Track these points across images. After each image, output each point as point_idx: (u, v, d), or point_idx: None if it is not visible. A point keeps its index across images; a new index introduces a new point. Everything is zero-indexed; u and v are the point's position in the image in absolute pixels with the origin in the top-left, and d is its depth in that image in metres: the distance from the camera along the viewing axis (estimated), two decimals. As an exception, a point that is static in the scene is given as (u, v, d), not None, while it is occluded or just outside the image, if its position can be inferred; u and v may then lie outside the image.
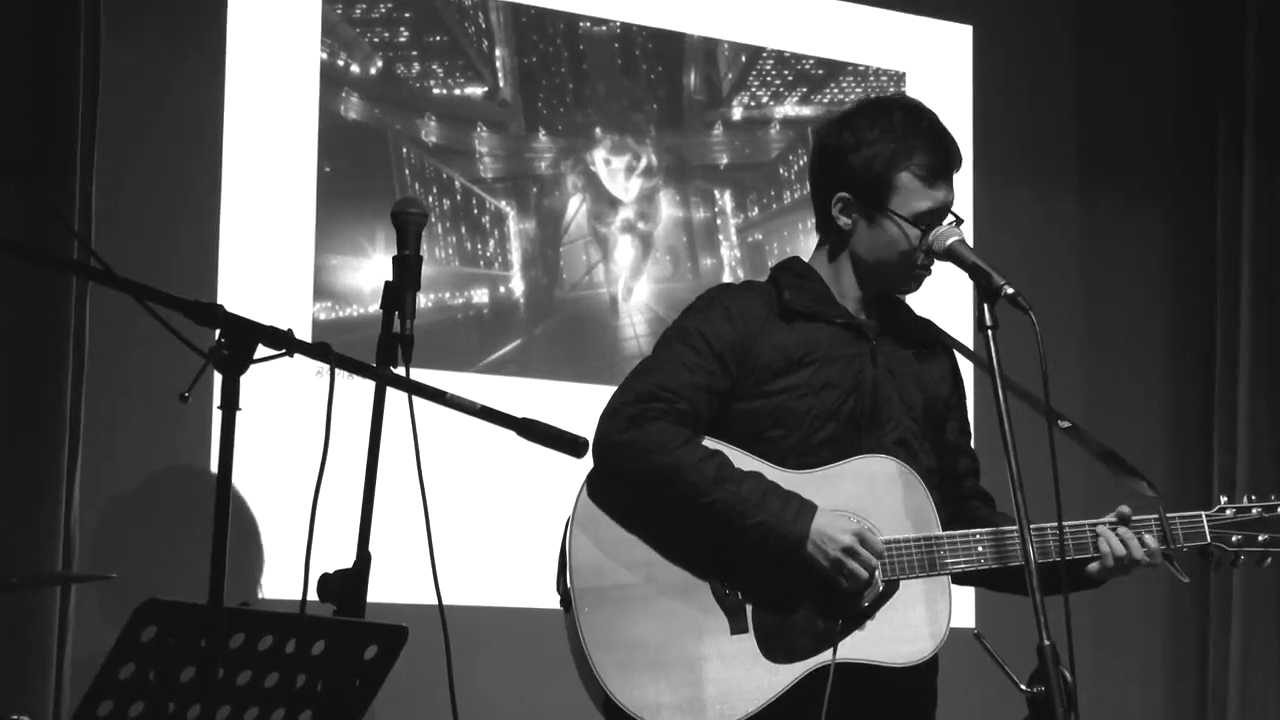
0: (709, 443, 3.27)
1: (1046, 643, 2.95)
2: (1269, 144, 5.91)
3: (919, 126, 3.39)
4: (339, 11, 4.83)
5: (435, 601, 2.94)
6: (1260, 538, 3.41)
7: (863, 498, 3.28)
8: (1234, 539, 3.40)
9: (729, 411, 3.32)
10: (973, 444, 3.60)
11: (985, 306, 3.19)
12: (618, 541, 3.26)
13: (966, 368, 3.65)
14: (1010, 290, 3.16)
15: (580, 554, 3.26)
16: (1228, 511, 3.42)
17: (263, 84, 4.72)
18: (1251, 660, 5.74)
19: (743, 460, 3.26)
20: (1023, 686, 2.99)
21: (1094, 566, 3.35)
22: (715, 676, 3.21)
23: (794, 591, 3.24)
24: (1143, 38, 6.07)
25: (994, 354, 3.15)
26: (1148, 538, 3.35)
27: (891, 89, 5.53)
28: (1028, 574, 3.01)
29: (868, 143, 3.37)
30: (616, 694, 3.19)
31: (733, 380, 3.32)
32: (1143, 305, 6.00)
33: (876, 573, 3.24)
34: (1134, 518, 3.38)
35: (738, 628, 3.23)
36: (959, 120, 5.62)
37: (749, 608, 3.24)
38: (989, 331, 3.16)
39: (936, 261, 3.39)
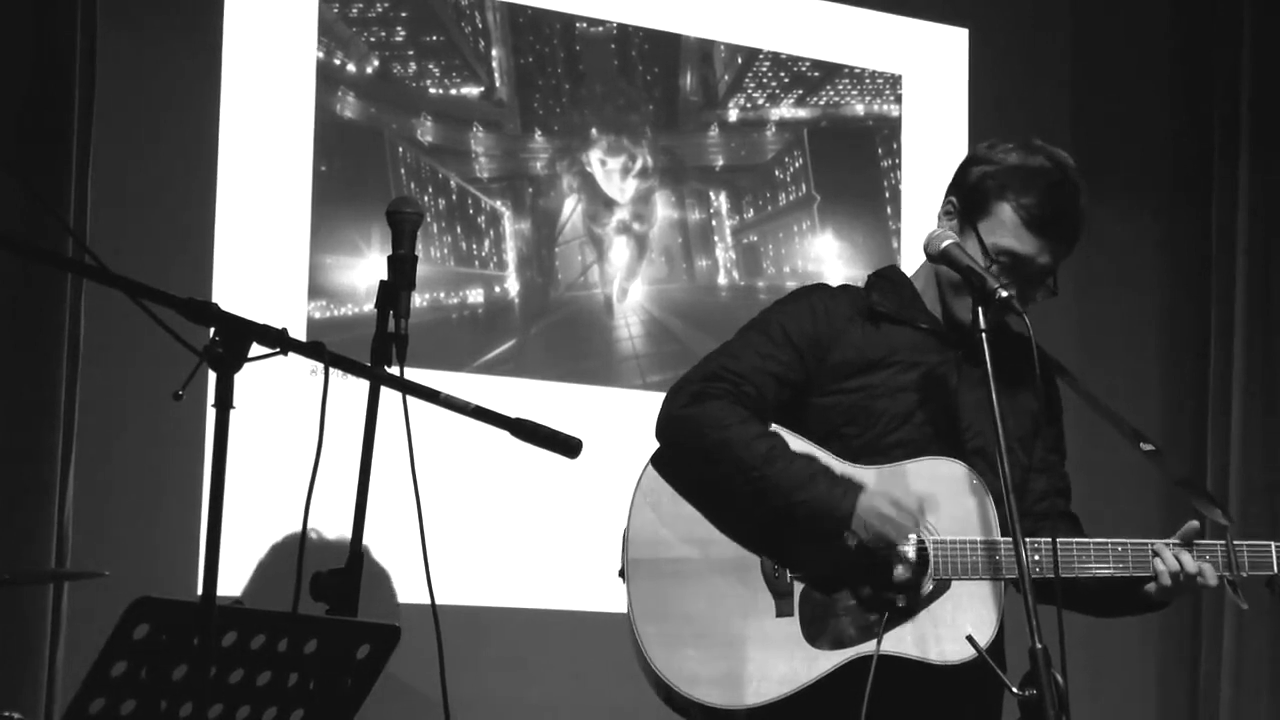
0: (775, 429, 3.32)
1: (1038, 645, 2.96)
2: (1264, 148, 5.92)
3: (1049, 179, 3.33)
4: (335, 10, 4.83)
5: (428, 601, 2.94)
6: None
7: (923, 496, 3.29)
8: None
9: (806, 406, 3.36)
10: (1065, 465, 3.58)
11: (979, 310, 3.19)
12: (676, 516, 3.32)
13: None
14: (1005, 294, 3.16)
15: (639, 526, 3.32)
16: None
17: (259, 82, 4.72)
18: (1244, 664, 5.74)
19: (806, 449, 3.30)
20: (1014, 689, 3.00)
21: (1151, 586, 3.35)
22: (755, 656, 3.26)
23: (842, 578, 3.26)
24: (1138, 42, 6.07)
25: (988, 358, 3.16)
26: (1204, 565, 3.33)
27: (887, 91, 5.54)
28: (1021, 579, 3.02)
29: (996, 162, 3.37)
30: (657, 664, 3.24)
31: (807, 374, 3.36)
32: (1137, 309, 6.01)
33: (928, 573, 3.25)
34: (1200, 542, 3.37)
35: (783, 610, 3.27)
36: (954, 123, 5.63)
37: (797, 592, 3.28)
38: (983, 335, 3.17)
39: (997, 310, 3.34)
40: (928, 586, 3.27)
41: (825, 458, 3.30)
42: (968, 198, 3.37)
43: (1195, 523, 3.37)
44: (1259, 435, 5.82)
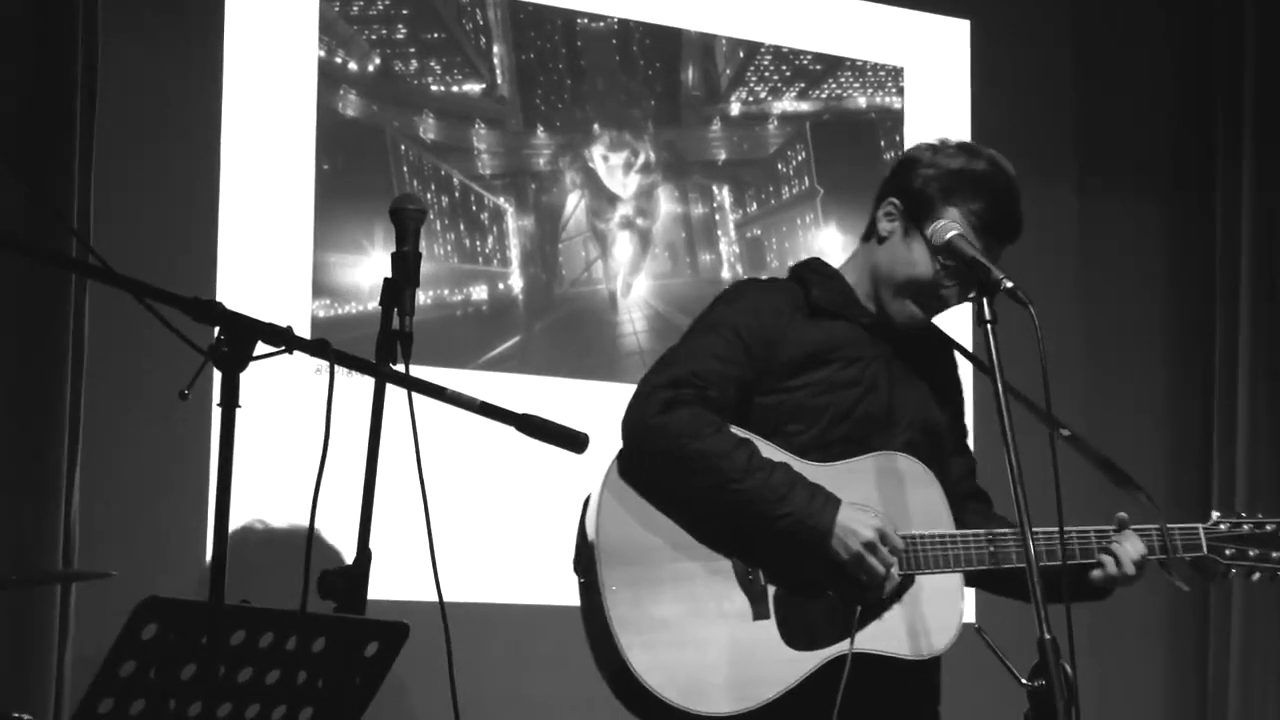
0: (737, 431, 3.31)
1: (1047, 636, 2.96)
2: (1268, 141, 5.91)
3: (994, 183, 3.40)
4: (336, 9, 4.83)
5: (436, 598, 2.94)
6: (1251, 553, 3.53)
7: (882, 493, 3.32)
8: (1227, 552, 3.53)
9: (749, 404, 3.36)
10: (970, 443, 3.65)
11: (984, 301, 3.20)
12: (646, 522, 3.29)
13: (965, 367, 3.66)
14: (1009, 284, 3.17)
15: (608, 533, 3.28)
16: (1222, 526, 3.54)
17: (261, 81, 4.72)
18: (1252, 647, 5.74)
19: (769, 451, 3.31)
20: (1023, 680, 2.99)
21: (1098, 574, 3.41)
22: (736, 660, 3.24)
23: (815, 580, 3.27)
24: (1140, 32, 6.06)
25: (993, 349, 3.16)
26: (1141, 544, 3.43)
27: (889, 84, 5.53)
28: (1029, 570, 3.01)
29: (941, 166, 3.41)
30: (641, 673, 3.21)
31: (756, 373, 3.36)
32: (1141, 303, 6.00)
33: (893, 568, 3.27)
34: (1133, 526, 3.44)
35: (760, 613, 3.27)
36: (957, 115, 5.63)
37: (771, 594, 3.28)
38: (988, 326, 3.17)
39: (938, 313, 3.43)
40: (895, 581, 3.28)
41: (798, 464, 3.30)
42: (913, 202, 3.40)
43: (1124, 514, 3.45)
44: (1265, 429, 5.82)
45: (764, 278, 3.69)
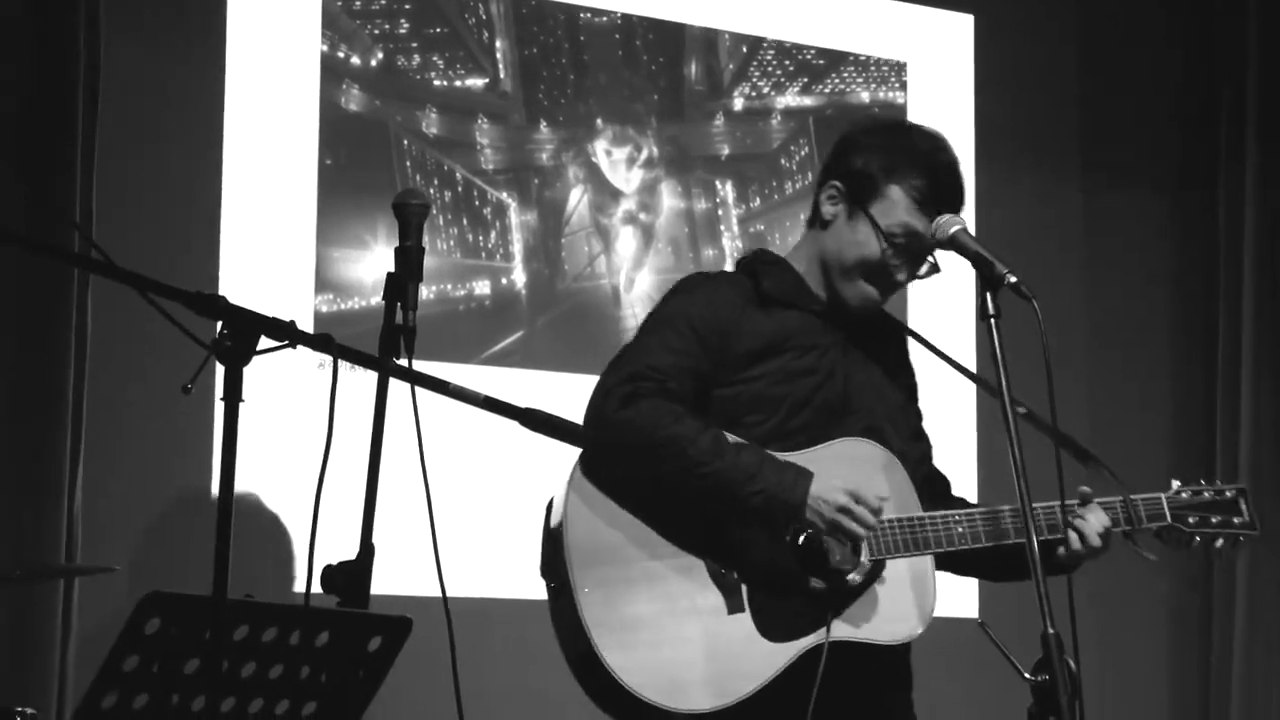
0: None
1: (1051, 631, 2.96)
2: (1271, 140, 5.91)
3: (933, 159, 3.41)
4: (339, 4, 4.83)
5: (439, 593, 2.94)
6: (1213, 520, 3.54)
7: (849, 479, 3.29)
8: (1190, 520, 3.53)
9: (707, 397, 3.35)
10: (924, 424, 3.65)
11: (988, 295, 3.20)
12: (615, 522, 3.27)
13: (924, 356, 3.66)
14: (1013, 279, 3.16)
15: (576, 534, 3.26)
16: (1184, 494, 3.55)
17: (263, 76, 4.72)
18: (1254, 641, 5.74)
19: (733, 440, 3.29)
20: (1027, 675, 2.99)
21: (1063, 549, 3.41)
22: (714, 656, 3.23)
23: (788, 569, 3.25)
24: (1144, 32, 6.06)
25: (997, 343, 3.15)
26: (1106, 516, 3.44)
27: (892, 78, 5.53)
28: (1031, 561, 3.01)
29: (878, 146, 3.41)
30: (619, 674, 3.19)
31: (713, 365, 3.34)
32: (1145, 296, 6.00)
33: (864, 553, 3.26)
34: (1097, 499, 3.45)
35: (734, 607, 3.25)
36: (960, 111, 5.63)
37: (744, 587, 3.26)
38: (992, 320, 3.17)
39: (899, 288, 3.43)
40: (865, 568, 3.28)
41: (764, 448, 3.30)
42: (855, 183, 3.41)
43: (1086, 488, 3.45)
44: (1268, 422, 5.82)
45: (713, 271, 3.68)
